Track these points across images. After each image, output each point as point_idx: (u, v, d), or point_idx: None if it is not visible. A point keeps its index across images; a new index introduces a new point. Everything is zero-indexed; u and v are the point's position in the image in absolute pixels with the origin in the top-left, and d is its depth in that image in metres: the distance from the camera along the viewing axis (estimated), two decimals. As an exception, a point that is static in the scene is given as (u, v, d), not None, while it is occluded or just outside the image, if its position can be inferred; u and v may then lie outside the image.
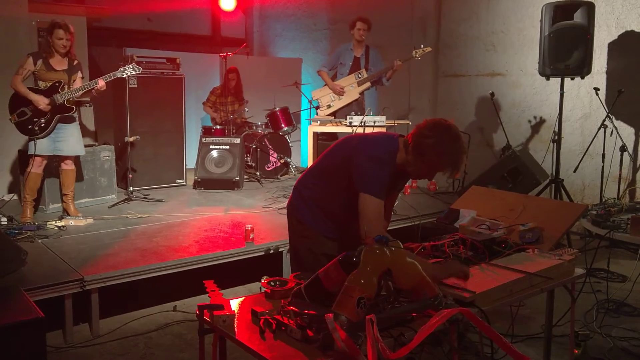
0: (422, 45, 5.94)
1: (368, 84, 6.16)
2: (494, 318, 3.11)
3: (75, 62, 4.79)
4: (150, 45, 7.96)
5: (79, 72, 4.81)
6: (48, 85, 4.62)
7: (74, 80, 4.75)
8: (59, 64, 4.69)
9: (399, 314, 1.84)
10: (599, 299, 3.85)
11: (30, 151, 4.63)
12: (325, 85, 6.29)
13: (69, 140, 4.76)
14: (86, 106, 5.62)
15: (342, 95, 6.16)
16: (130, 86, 6.03)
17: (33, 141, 4.58)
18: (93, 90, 4.72)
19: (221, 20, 9.50)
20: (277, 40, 9.63)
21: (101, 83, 4.69)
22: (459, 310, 1.79)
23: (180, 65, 6.49)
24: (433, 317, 1.72)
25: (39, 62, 4.60)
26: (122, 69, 4.90)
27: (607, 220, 3.30)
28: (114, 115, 6.52)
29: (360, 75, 6.13)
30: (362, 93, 6.18)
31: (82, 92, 4.70)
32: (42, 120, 4.58)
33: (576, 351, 3.10)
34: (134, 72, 4.97)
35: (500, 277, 2.20)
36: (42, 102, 4.53)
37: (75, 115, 4.83)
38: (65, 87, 4.65)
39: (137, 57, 6.15)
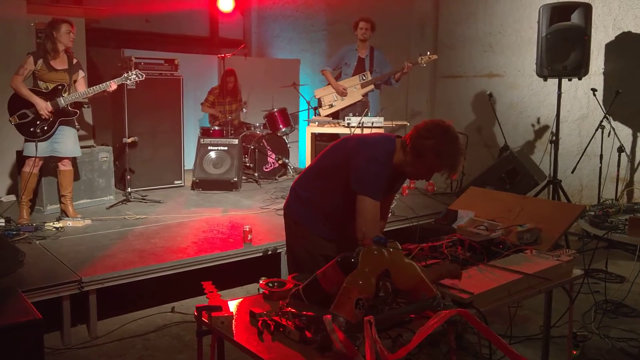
0: (428, 52, 5.91)
1: (372, 86, 6.16)
2: (492, 319, 3.11)
3: (75, 60, 4.72)
4: (148, 47, 7.94)
5: (80, 71, 4.73)
6: (50, 88, 4.53)
7: (75, 81, 4.67)
8: (60, 62, 4.60)
9: (397, 315, 1.84)
10: (597, 300, 3.85)
11: (29, 153, 4.56)
12: (329, 84, 6.30)
13: (66, 141, 4.70)
14: (85, 107, 5.59)
15: (345, 96, 6.17)
16: (128, 87, 6.01)
17: (34, 143, 4.50)
18: (105, 92, 4.70)
19: (219, 22, 9.49)
20: (275, 41, 9.62)
21: (114, 86, 4.68)
22: (457, 311, 1.79)
23: (178, 66, 6.48)
24: (431, 318, 1.72)
25: (40, 61, 4.50)
26: (125, 75, 4.84)
27: (605, 221, 3.30)
28: (112, 116, 6.50)
29: (364, 78, 6.13)
30: (365, 95, 6.18)
31: (93, 93, 4.64)
32: (45, 124, 4.52)
33: (574, 352, 3.11)
34: (137, 79, 4.94)
35: (499, 278, 2.20)
36: (45, 109, 4.45)
37: (75, 119, 4.77)
38: (68, 90, 4.58)
39: (135, 58, 6.12)
